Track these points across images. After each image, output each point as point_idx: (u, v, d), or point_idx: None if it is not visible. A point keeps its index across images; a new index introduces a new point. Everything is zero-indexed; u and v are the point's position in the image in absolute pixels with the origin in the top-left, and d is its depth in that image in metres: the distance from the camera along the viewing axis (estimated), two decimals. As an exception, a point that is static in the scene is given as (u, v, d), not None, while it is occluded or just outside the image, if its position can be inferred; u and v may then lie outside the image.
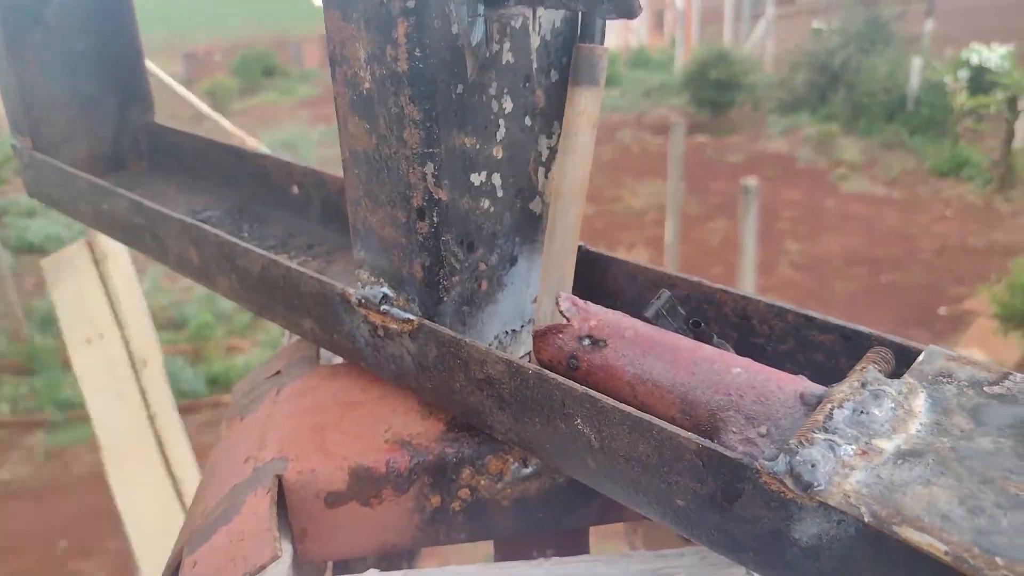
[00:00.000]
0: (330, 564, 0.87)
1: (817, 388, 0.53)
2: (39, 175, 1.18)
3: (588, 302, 0.65)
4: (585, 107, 0.69)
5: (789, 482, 0.46)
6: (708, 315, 0.69)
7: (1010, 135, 8.19)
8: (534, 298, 0.75)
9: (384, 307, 0.68)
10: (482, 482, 0.66)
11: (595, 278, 0.77)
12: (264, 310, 0.83)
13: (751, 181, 5.65)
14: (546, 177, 0.72)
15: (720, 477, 0.49)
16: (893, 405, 0.50)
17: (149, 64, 1.32)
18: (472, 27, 0.60)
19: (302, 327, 0.79)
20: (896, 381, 0.52)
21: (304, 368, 0.81)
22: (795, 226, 7.50)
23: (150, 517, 2.31)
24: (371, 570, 0.67)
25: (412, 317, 0.66)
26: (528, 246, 0.72)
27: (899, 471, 0.45)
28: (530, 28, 0.65)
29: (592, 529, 0.86)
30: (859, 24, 10.45)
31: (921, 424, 0.49)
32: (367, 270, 0.70)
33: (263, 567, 0.58)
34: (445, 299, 0.66)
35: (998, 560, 0.39)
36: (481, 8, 0.60)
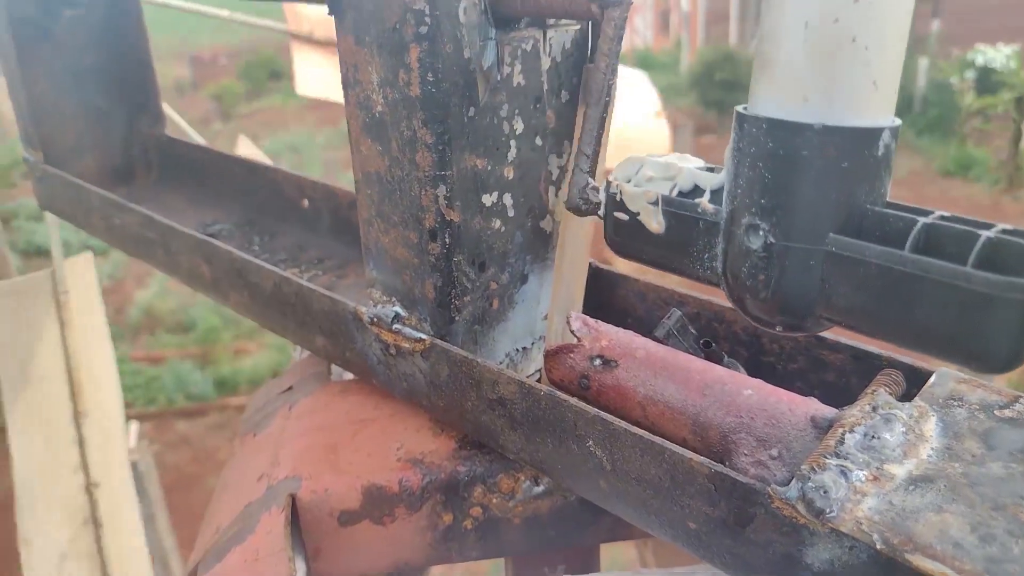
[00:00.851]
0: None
1: (828, 411, 0.53)
2: (51, 188, 1.19)
3: (599, 321, 0.66)
4: (595, 126, 0.69)
5: (801, 508, 0.46)
6: (718, 333, 0.69)
7: (1018, 135, 8.16)
8: (545, 315, 0.76)
9: (396, 326, 0.68)
10: (494, 500, 0.67)
11: (605, 296, 0.78)
12: (276, 326, 0.83)
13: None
14: (556, 196, 0.72)
15: (732, 501, 0.50)
16: (904, 429, 0.50)
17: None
18: (484, 51, 0.60)
19: (314, 344, 0.79)
20: (907, 404, 0.52)
21: (316, 384, 0.82)
22: (801, 228, 7.46)
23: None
24: (384, 587, 0.68)
25: (424, 336, 0.67)
26: (539, 264, 0.73)
27: (911, 497, 0.45)
28: (540, 50, 0.65)
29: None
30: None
31: (932, 449, 0.49)
32: (379, 289, 0.70)
33: (278, 587, 0.59)
34: (457, 318, 0.67)
35: (1011, 590, 0.39)
36: (493, 32, 0.60)
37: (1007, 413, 0.51)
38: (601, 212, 0.58)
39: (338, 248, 1.01)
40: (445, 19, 0.57)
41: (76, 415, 1.93)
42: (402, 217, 0.65)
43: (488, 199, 0.65)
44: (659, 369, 0.60)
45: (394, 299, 0.69)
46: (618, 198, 0.56)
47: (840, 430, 0.49)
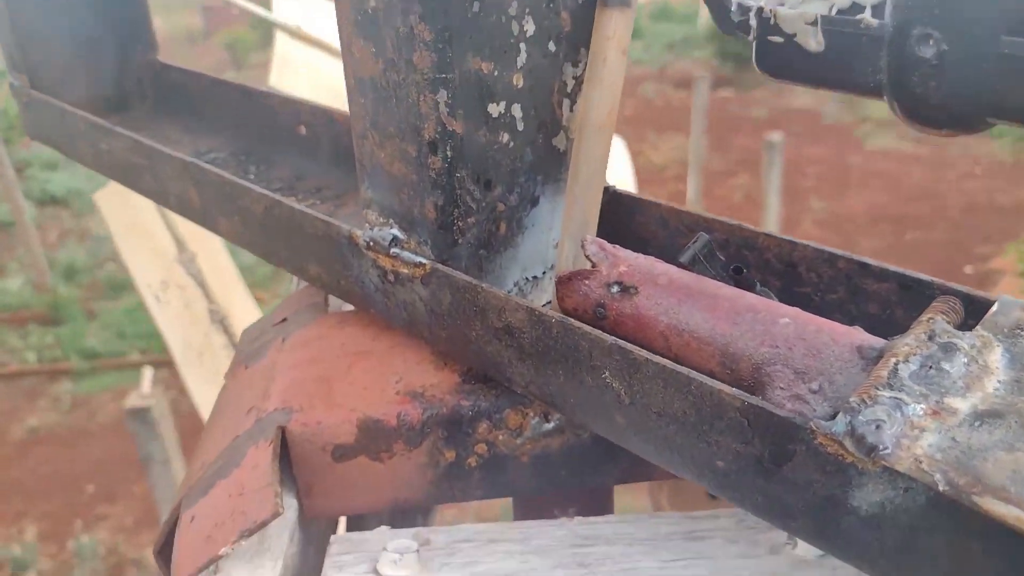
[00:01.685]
0: (343, 520, 0.84)
1: (876, 341, 0.47)
2: (38, 115, 1.13)
3: (617, 246, 0.60)
4: (615, 31, 0.62)
5: (850, 444, 0.40)
6: (749, 262, 0.63)
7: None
8: (557, 243, 0.70)
9: (394, 250, 0.63)
10: (500, 437, 0.62)
11: (622, 222, 0.71)
12: (268, 254, 0.78)
13: (775, 137, 5.50)
14: (571, 110, 0.65)
15: (768, 438, 0.44)
16: (966, 360, 0.44)
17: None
18: (492, -68, 0.53)
19: (308, 272, 0.74)
20: (968, 334, 0.46)
21: (311, 316, 0.76)
22: (819, 183, 7.32)
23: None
24: (383, 527, 0.63)
25: (424, 261, 0.61)
26: (551, 186, 0.66)
27: (977, 434, 0.40)
28: (557, -63, 0.58)
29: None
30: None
31: (999, 382, 0.43)
32: (375, 210, 0.64)
33: (263, 523, 0.54)
34: (460, 242, 0.61)
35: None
36: (502, -90, 0.53)
37: (1083, 343, 0.45)
38: (752, 36, 0.58)
39: (337, 177, 0.95)
40: None
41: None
42: (399, 128, 0.58)
43: (495, 109, 0.59)
44: (684, 296, 0.54)
45: (392, 221, 0.63)
46: (772, 22, 0.56)
47: (893, 360, 0.43)
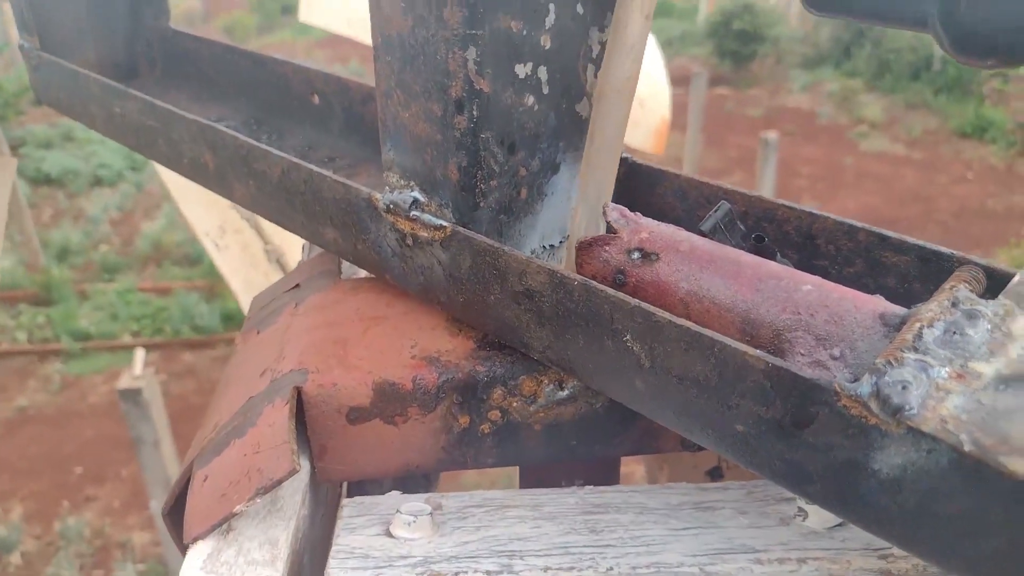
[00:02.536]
0: (345, 485, 0.83)
1: (898, 309, 0.48)
2: (47, 77, 1.12)
3: (638, 213, 0.60)
4: (641, -2, 0.62)
5: (874, 405, 0.41)
6: (767, 233, 0.63)
7: (1038, 97, 7.95)
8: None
9: (414, 212, 0.62)
10: (514, 404, 0.62)
11: (639, 193, 0.71)
12: (284, 219, 0.78)
13: (771, 135, 5.51)
14: (595, 76, 0.65)
15: (790, 400, 0.44)
16: (990, 327, 0.44)
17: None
18: None
19: (324, 237, 0.73)
20: (991, 302, 0.46)
21: (325, 281, 0.76)
22: (813, 183, 7.34)
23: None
24: (393, 491, 0.63)
25: (445, 223, 0.61)
26: (572, 153, 0.66)
27: (1003, 397, 0.40)
28: (588, -99, 0.58)
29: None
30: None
31: (1023, 348, 0.43)
32: (397, 172, 0.64)
33: (280, 481, 0.54)
34: (482, 205, 0.61)
35: None
36: None
37: (1105, 315, 0.46)
38: None
39: (350, 147, 0.95)
40: None
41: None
42: (425, 86, 0.58)
43: (522, 70, 0.59)
44: (706, 263, 0.55)
45: (413, 183, 0.63)
46: None
47: (917, 324, 0.44)
